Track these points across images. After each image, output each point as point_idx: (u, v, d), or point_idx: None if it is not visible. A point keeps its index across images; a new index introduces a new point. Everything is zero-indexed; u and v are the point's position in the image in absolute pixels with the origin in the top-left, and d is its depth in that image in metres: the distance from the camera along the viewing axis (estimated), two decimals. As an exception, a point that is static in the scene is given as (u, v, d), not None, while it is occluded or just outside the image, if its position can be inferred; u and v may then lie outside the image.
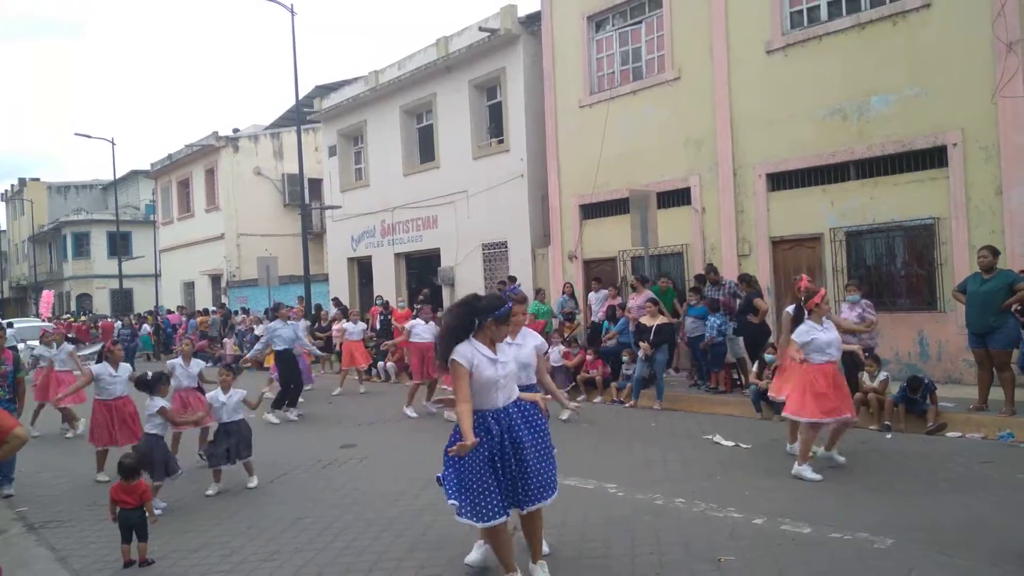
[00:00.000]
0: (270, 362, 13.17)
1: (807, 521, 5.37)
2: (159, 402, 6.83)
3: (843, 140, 11.48)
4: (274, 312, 12.66)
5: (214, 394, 7.38)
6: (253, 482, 7.26)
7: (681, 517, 5.65)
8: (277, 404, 11.24)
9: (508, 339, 4.51)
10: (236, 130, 30.43)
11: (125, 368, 8.24)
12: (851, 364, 9.00)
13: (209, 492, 7.07)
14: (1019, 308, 8.31)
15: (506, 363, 4.27)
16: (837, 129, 11.55)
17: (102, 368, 8.02)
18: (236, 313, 23.66)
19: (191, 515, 6.43)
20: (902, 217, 10.94)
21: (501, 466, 4.17)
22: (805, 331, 6.80)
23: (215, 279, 30.50)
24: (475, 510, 4.08)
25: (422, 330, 11.33)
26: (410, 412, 10.97)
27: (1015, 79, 9.76)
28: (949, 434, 8.18)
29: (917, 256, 10.89)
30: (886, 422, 8.49)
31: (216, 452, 7.13)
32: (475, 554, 4.77)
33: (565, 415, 8.29)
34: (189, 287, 32.75)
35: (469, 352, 4.15)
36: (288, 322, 11.72)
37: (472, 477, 4.11)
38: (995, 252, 8.55)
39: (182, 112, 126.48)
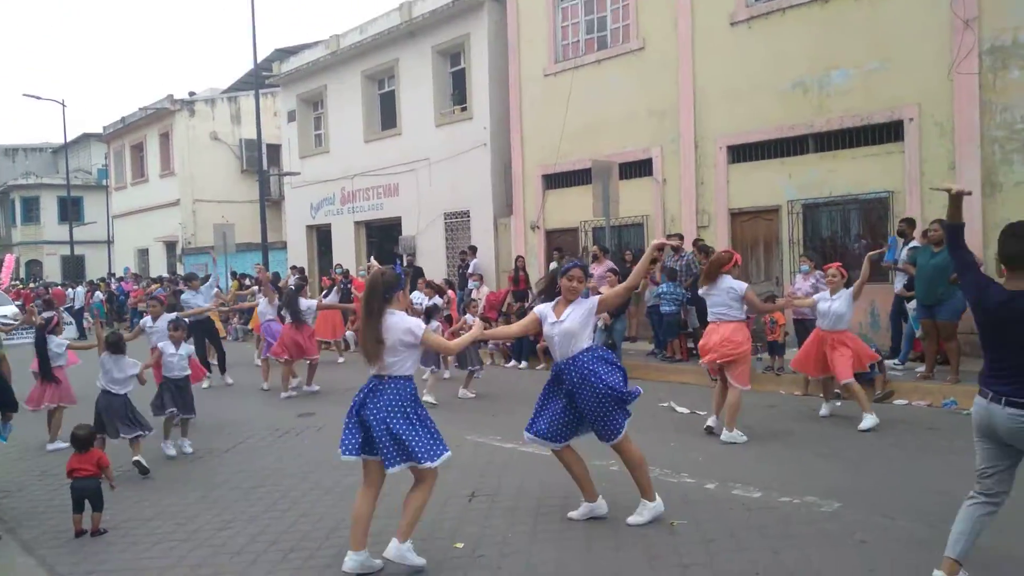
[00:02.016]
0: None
1: (757, 486, 5.50)
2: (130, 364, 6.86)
3: (803, 114, 11.60)
4: (186, 283, 12.59)
5: (165, 344, 7.45)
6: (186, 448, 7.29)
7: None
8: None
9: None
10: (192, 93, 29.71)
11: (64, 341, 8.30)
12: (804, 334, 9.20)
13: (170, 453, 7.11)
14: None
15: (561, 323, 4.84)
16: (798, 102, 11.65)
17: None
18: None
19: (144, 484, 6.35)
20: (858, 190, 11.12)
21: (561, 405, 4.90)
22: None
23: (170, 246, 29.92)
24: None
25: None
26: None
27: (971, 56, 9.92)
28: (896, 402, 8.42)
29: (871, 229, 11.10)
30: (836, 390, 8.69)
31: (161, 403, 7.23)
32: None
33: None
34: (143, 254, 32.09)
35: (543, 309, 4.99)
36: (199, 291, 11.87)
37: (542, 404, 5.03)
38: (946, 226, 8.74)
39: (136, 74, 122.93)
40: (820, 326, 7.70)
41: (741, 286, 6.94)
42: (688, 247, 12.07)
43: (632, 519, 4.84)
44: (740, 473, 5.86)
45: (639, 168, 13.88)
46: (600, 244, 13.10)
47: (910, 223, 9.98)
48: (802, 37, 11.57)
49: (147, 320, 8.73)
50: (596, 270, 12.07)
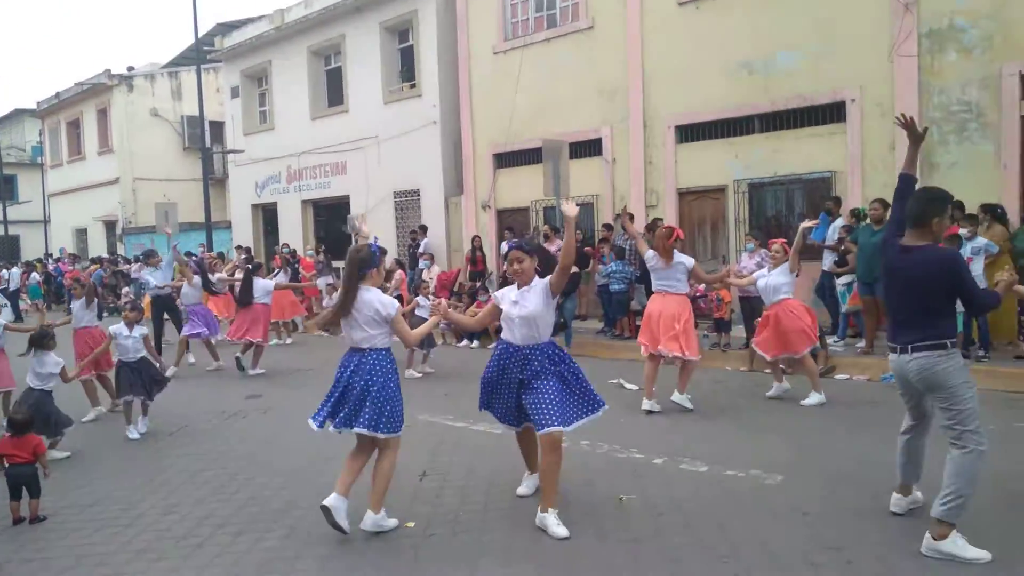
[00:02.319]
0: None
1: (704, 460, 5.61)
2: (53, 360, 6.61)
3: (750, 94, 11.74)
4: (146, 261, 12.23)
5: (118, 328, 7.29)
6: (142, 427, 7.18)
7: (586, 459, 5.81)
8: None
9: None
10: (131, 68, 28.68)
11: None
12: (750, 311, 9.40)
13: (132, 436, 7.01)
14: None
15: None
16: (744, 83, 11.79)
17: None
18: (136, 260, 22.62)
19: (85, 469, 6.18)
20: (802, 170, 11.33)
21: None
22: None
23: (110, 226, 29.03)
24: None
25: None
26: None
27: (910, 39, 10.15)
28: (838, 376, 8.65)
29: (815, 208, 11.31)
30: (781, 365, 8.89)
31: (122, 384, 7.15)
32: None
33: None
34: (82, 234, 31.07)
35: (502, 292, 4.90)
36: (159, 268, 11.68)
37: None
38: (886, 205, 8.98)
39: (71, 47, 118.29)
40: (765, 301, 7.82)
41: (690, 261, 7.26)
42: (638, 227, 12.17)
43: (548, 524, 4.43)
44: (687, 448, 5.97)
45: (589, 148, 13.91)
46: (551, 224, 13.12)
47: (836, 201, 10.42)
48: (748, 18, 11.68)
49: (76, 304, 8.43)
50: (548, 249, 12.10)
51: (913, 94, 10.19)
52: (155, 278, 11.47)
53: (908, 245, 3.99)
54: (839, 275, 9.55)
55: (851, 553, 3.92)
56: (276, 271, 14.65)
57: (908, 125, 4.21)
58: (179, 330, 11.49)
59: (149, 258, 11.99)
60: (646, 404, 7.27)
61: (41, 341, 6.58)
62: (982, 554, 3.75)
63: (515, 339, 4.66)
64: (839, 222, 10.05)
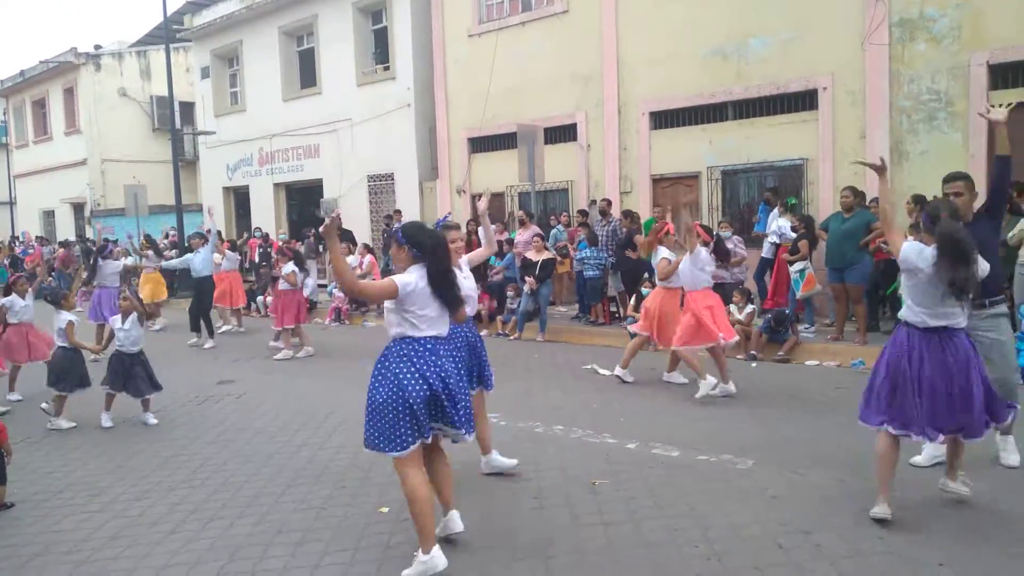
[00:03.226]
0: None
1: (676, 445, 5.67)
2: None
3: (723, 81, 11.79)
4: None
5: (113, 320, 7.13)
6: (151, 420, 7.01)
7: (559, 444, 5.85)
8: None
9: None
10: (98, 47, 28.07)
11: None
12: (723, 295, 9.46)
13: (105, 424, 6.88)
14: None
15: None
16: (718, 70, 11.84)
17: None
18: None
19: (55, 454, 6.11)
20: (774, 157, 11.43)
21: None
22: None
23: (78, 208, 28.49)
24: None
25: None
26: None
27: (881, 27, 10.25)
28: (807, 362, 8.77)
29: (786, 195, 11.43)
30: (752, 352, 9.00)
31: (111, 373, 6.96)
32: None
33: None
34: (49, 216, 30.47)
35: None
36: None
37: None
38: (856, 193, 9.11)
39: (36, 25, 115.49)
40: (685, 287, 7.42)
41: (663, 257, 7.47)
42: (616, 213, 12.20)
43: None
44: (660, 433, 6.02)
45: (564, 133, 13.90)
46: (526, 209, 13.12)
47: (774, 192, 10.68)
48: (723, 4, 11.71)
49: (8, 300, 8.01)
50: (522, 235, 12.11)
51: (884, 82, 10.31)
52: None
53: None
54: (792, 263, 9.64)
55: (819, 536, 4.00)
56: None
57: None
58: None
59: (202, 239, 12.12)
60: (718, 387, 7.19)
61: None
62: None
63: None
64: (775, 213, 10.30)
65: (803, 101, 11.16)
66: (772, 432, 6.01)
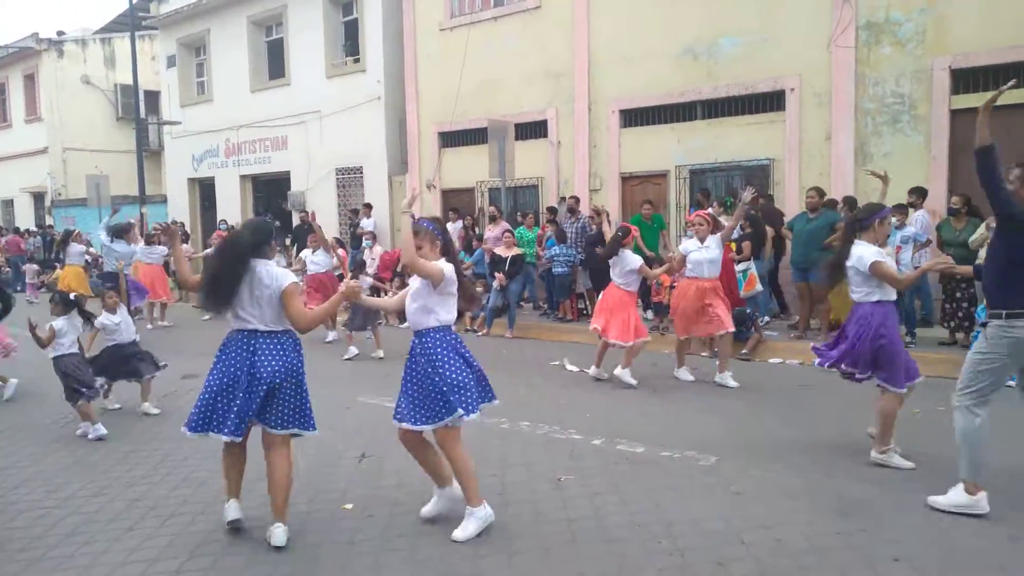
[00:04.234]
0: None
1: (641, 441, 5.70)
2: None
3: (693, 80, 11.87)
4: (120, 233, 11.75)
5: (101, 320, 6.92)
6: (153, 410, 7.01)
7: (526, 440, 5.85)
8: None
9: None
10: (61, 33, 27.45)
11: None
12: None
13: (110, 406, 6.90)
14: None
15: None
16: (688, 69, 11.91)
17: None
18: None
19: (9, 450, 5.97)
20: (742, 157, 11.54)
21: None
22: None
23: (38, 197, 27.87)
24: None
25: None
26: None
27: (848, 30, 10.39)
28: (771, 360, 8.88)
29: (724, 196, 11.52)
30: (716, 349, 9.07)
31: (100, 364, 6.82)
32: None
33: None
34: (7, 205, 29.76)
35: None
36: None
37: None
38: (821, 193, 9.25)
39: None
40: (698, 275, 7.58)
41: (635, 263, 7.62)
42: (586, 210, 12.23)
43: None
44: (625, 429, 6.06)
45: (535, 129, 13.90)
46: (496, 205, 13.10)
47: (705, 194, 10.84)
48: (693, 4, 11.79)
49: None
50: (492, 231, 12.09)
51: (850, 85, 10.45)
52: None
53: None
54: (738, 262, 9.73)
55: (780, 531, 4.04)
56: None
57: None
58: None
59: (125, 232, 11.65)
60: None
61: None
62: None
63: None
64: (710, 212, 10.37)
65: (771, 102, 11.28)
66: (736, 429, 6.08)
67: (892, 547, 3.83)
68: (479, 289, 11.61)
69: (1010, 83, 4.29)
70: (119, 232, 11.56)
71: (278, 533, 3.99)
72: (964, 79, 9.84)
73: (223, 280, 4.03)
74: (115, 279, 10.46)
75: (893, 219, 8.55)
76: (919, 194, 9.25)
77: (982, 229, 7.99)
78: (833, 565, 3.68)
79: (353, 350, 9.66)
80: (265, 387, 3.98)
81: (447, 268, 4.12)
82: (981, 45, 9.55)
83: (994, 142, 4.00)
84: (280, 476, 4.04)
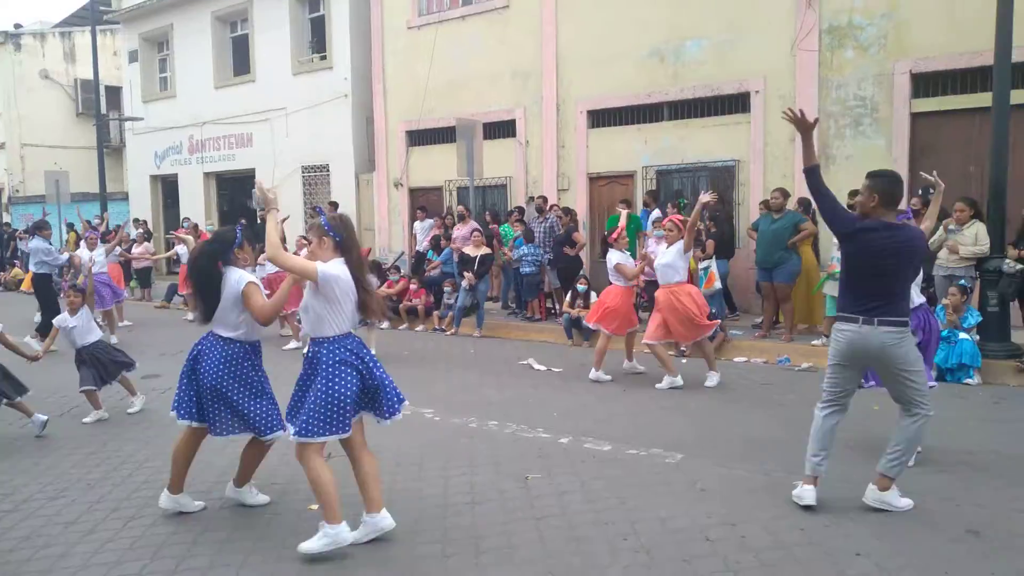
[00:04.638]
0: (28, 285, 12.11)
1: (607, 439, 5.74)
2: None
3: (660, 82, 11.97)
4: (36, 230, 11.35)
5: (60, 320, 6.80)
6: (136, 406, 6.89)
7: (494, 439, 5.85)
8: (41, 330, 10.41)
9: None
10: (18, 25, 26.86)
11: None
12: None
13: (87, 420, 6.61)
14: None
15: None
16: (655, 70, 12.00)
17: None
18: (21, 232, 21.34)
19: (-37, 452, 5.82)
20: (708, 158, 11.66)
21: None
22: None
23: (-6, 193, 27.24)
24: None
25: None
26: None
27: (811, 34, 10.54)
28: (736, 359, 8.98)
29: (719, 195, 11.65)
30: (682, 348, 9.17)
31: (84, 375, 6.66)
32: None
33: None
34: (-38, 201, 29.03)
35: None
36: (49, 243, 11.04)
37: None
38: (786, 194, 9.37)
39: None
40: (666, 280, 7.53)
41: (612, 260, 7.83)
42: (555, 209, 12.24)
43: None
44: (592, 427, 6.09)
45: (503, 129, 13.90)
46: (464, 204, 13.07)
47: (652, 195, 11.09)
48: (660, 5, 11.88)
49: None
50: (460, 230, 12.07)
51: (813, 88, 10.61)
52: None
53: (890, 223, 4.14)
54: (700, 260, 9.81)
55: (745, 528, 4.09)
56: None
57: (796, 120, 4.32)
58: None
59: (41, 229, 11.29)
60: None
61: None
62: (907, 503, 4.28)
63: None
64: (656, 215, 10.46)
65: (736, 103, 11.41)
66: (701, 427, 6.13)
67: (854, 542, 3.89)
68: (447, 288, 11.58)
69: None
70: (36, 229, 11.32)
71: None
72: (924, 83, 10.04)
73: (203, 294, 4.29)
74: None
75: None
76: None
77: (940, 231, 8.13)
78: (796, 560, 3.73)
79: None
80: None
81: (325, 268, 3.78)
82: (941, 50, 9.76)
83: (818, 163, 4.42)
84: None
